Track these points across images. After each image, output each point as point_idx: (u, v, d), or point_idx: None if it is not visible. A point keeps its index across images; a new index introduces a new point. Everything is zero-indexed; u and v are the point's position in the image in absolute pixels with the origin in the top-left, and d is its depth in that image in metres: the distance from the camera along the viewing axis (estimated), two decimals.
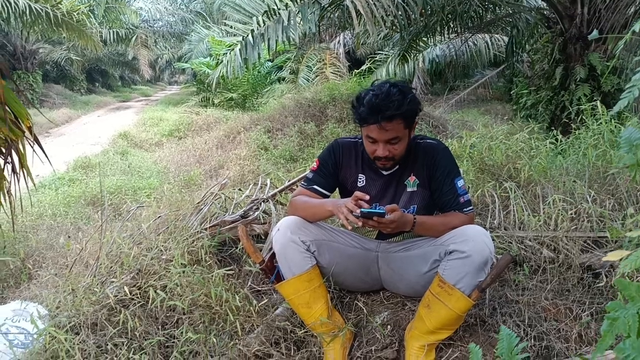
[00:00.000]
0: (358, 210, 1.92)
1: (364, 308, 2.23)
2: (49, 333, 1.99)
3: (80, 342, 1.97)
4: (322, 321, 2.10)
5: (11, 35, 17.19)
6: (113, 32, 18.65)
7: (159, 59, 27.62)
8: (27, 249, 3.37)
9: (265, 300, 2.28)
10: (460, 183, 2.19)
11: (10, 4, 10.60)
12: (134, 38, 19.32)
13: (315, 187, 2.28)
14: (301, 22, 7.57)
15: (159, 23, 22.30)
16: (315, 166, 2.33)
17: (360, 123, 2.10)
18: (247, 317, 2.17)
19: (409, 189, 2.24)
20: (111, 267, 2.39)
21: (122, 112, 22.57)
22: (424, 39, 8.61)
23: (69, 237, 3.54)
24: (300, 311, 2.16)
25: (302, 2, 7.42)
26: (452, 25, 7.69)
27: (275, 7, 7.38)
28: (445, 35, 8.18)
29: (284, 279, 2.15)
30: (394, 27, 7.81)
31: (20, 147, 3.01)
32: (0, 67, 2.76)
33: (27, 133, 3.01)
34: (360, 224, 1.93)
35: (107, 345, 2.01)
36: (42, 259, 3.27)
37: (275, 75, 15.25)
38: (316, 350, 2.13)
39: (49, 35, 16.53)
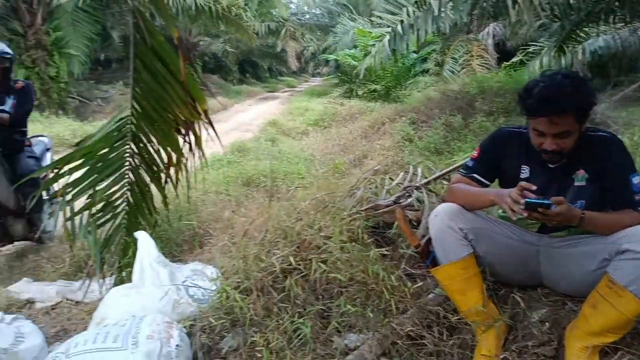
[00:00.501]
0: (522, 201, 1.89)
1: (520, 302, 2.19)
2: (226, 292, 2.24)
3: (251, 303, 2.20)
4: (476, 309, 2.10)
5: (177, 29, 18.99)
6: (265, 25, 19.78)
7: (305, 50, 28.68)
8: (198, 219, 3.78)
9: (420, 284, 2.34)
10: (635, 179, 2.05)
11: (179, 0, 11.77)
12: (283, 31, 20.33)
13: (475, 175, 2.27)
14: (452, 12, 7.44)
15: (307, 16, 23.17)
16: (476, 154, 2.31)
17: (528, 115, 2.05)
18: (401, 298, 2.25)
19: (576, 184, 2.14)
20: (275, 239, 2.61)
21: (270, 102, 23.88)
22: (585, 28, 7.99)
23: (233, 211, 3.89)
24: (455, 297, 2.18)
25: None
26: (619, 13, 7.04)
27: None
28: (611, 24, 7.51)
29: (439, 264, 2.18)
30: (553, 16, 7.35)
31: (197, 128, 3.40)
32: (185, 56, 3.13)
33: (202, 116, 3.39)
34: (525, 214, 1.90)
35: (273, 308, 2.21)
36: (211, 229, 3.65)
37: (420, 67, 15.10)
38: (469, 338, 2.14)
39: (209, 29, 17.99)
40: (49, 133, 6.34)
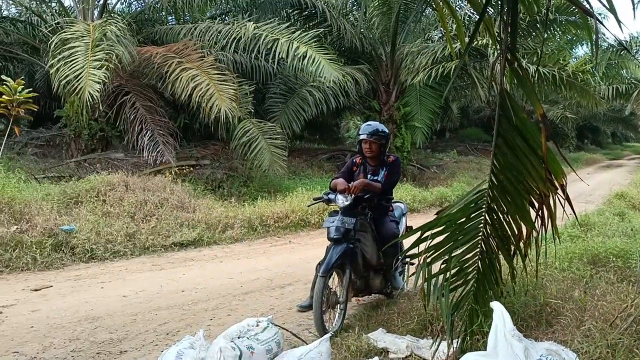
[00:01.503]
0: None
1: None
2: None
3: None
4: None
5: (542, 107, 19.12)
6: (612, 87, 18.17)
7: None
8: (545, 295, 3.66)
9: None
10: None
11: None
12: (635, 93, 18.28)
13: None
14: None
15: None
16: None
17: None
18: None
19: None
20: None
21: (613, 170, 21.52)
22: None
23: (585, 292, 3.64)
24: None
25: None
26: None
27: None
28: None
29: None
30: None
31: (551, 202, 3.35)
32: (547, 132, 3.17)
33: (559, 190, 3.33)
34: None
35: None
36: (558, 307, 3.49)
37: None
38: None
39: (548, 95, 17.50)
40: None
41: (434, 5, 11.82)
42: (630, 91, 18.23)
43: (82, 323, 4.43)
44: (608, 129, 31.69)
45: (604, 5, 2.57)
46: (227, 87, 9.73)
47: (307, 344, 3.28)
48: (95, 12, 11.74)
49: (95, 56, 8.78)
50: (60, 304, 4.93)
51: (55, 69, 8.89)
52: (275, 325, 3.03)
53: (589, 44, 16.53)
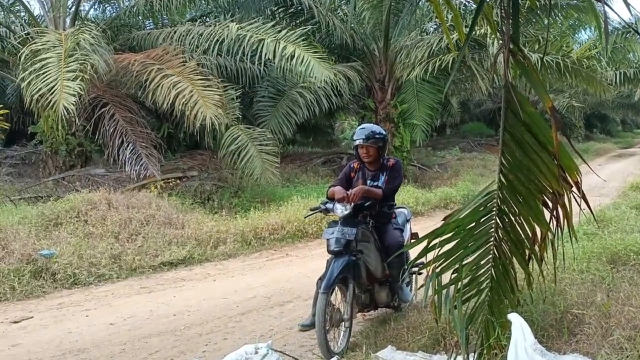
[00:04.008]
0: None
1: None
2: None
3: None
4: None
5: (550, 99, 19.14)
6: (620, 72, 18.18)
7: None
8: (565, 302, 3.59)
9: None
10: None
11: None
12: None
13: None
14: None
15: None
16: None
17: None
18: None
19: None
20: None
21: (626, 160, 21.55)
22: None
23: (608, 296, 3.58)
24: None
25: None
26: None
27: None
28: None
29: None
30: None
31: (566, 200, 3.29)
32: (557, 126, 3.10)
33: (574, 187, 3.27)
34: None
35: None
36: (581, 315, 3.42)
37: None
38: None
39: (552, 84, 17.52)
40: None
41: None
42: (639, 75, 18.24)
43: (67, 356, 4.34)
44: (617, 116, 31.75)
45: None
46: (211, 92, 9.66)
47: None
48: (67, 20, 11.65)
49: (68, 67, 8.69)
50: (43, 336, 4.83)
51: (26, 82, 8.80)
52: (276, 351, 2.95)
53: (593, 28, 16.54)
